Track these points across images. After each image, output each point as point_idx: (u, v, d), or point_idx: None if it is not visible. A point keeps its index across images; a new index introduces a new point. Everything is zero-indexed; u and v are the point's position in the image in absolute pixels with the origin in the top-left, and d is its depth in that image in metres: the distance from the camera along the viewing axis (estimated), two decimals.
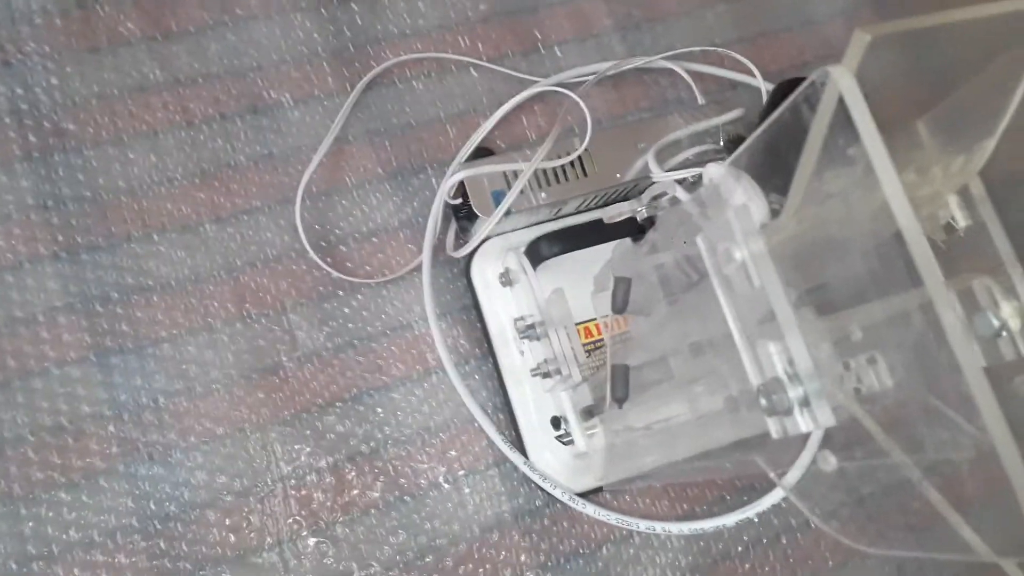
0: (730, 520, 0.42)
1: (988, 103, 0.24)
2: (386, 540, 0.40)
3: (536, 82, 0.46)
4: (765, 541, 0.43)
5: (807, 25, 0.51)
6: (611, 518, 0.40)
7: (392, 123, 0.46)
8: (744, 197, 0.25)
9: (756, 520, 0.43)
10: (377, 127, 0.46)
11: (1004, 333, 0.23)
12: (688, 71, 0.48)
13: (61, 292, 0.41)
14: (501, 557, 0.40)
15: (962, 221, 0.27)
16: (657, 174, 0.35)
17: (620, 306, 0.31)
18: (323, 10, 0.46)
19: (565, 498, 0.40)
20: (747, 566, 0.42)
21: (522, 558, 0.40)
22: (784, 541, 0.43)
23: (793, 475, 0.36)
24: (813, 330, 0.24)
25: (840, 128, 0.21)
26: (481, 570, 0.40)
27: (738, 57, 0.48)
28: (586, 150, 0.40)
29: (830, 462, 0.25)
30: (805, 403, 0.23)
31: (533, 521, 0.41)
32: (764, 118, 0.25)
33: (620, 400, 0.31)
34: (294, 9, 0.46)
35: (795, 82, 0.34)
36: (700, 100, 0.47)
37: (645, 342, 0.33)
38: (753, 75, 0.46)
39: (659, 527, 0.41)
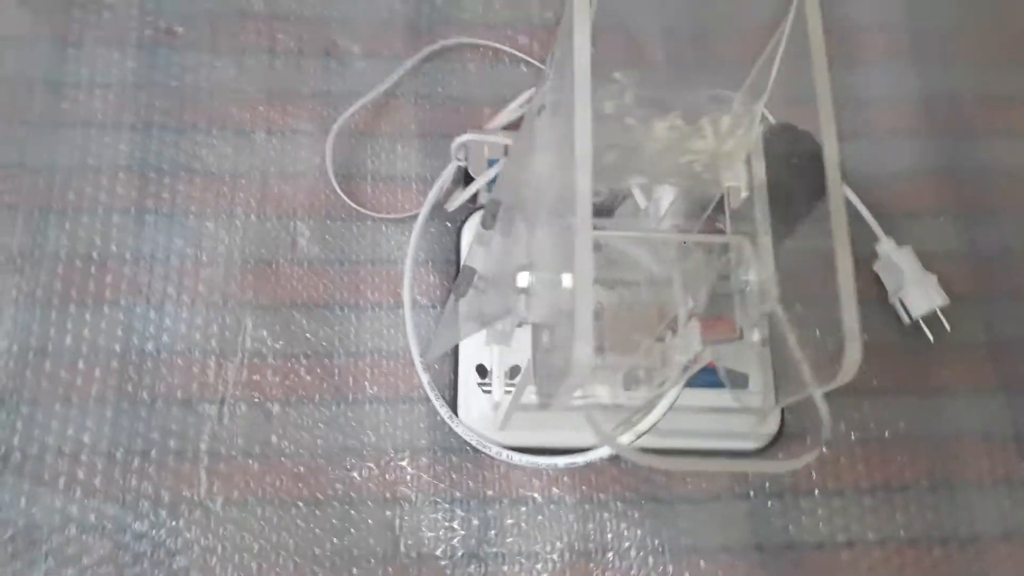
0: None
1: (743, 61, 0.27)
2: (309, 429, 0.44)
3: None
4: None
5: None
6: (503, 455, 0.42)
7: (439, 91, 0.52)
8: None
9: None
10: (425, 92, 0.52)
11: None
12: None
13: (127, 154, 0.49)
14: (406, 478, 0.44)
15: (744, 191, 0.29)
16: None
17: (462, 293, 0.35)
18: None
19: (472, 440, 0.43)
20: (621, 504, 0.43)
21: (423, 480, 0.44)
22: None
23: None
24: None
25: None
26: (383, 480, 0.44)
27: None
28: None
29: None
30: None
31: (445, 455, 0.44)
32: None
33: (459, 296, 0.34)
34: None
35: None
36: None
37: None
38: None
39: (542, 461, 0.42)
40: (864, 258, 0.49)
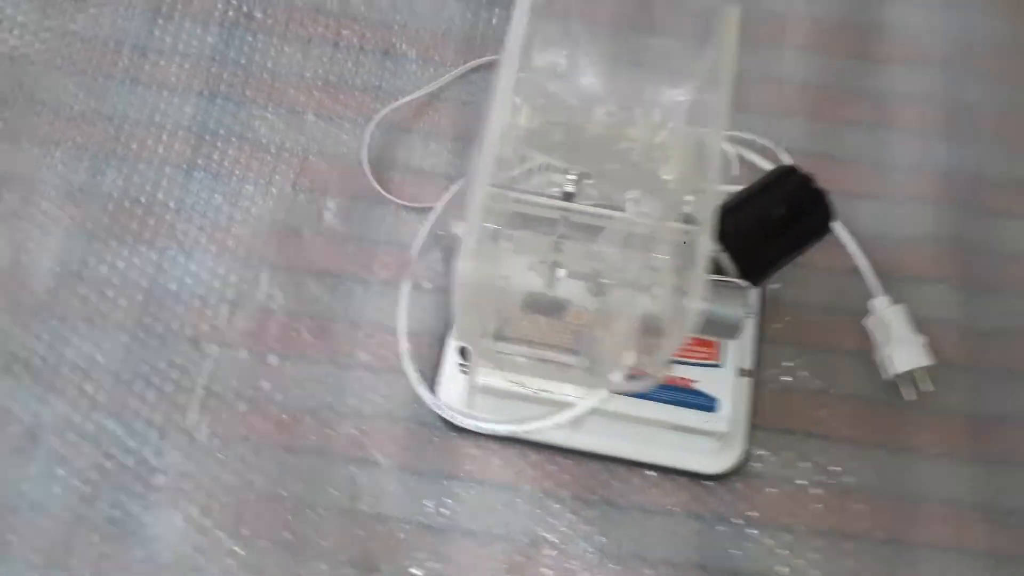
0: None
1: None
2: (300, 383, 0.48)
3: None
4: None
5: None
6: (466, 422, 0.44)
7: (479, 100, 0.55)
8: None
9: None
10: (467, 99, 0.56)
11: None
12: None
13: (191, 116, 0.54)
14: (378, 442, 0.46)
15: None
16: None
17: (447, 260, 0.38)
18: (473, 3, 0.58)
19: (442, 412, 0.45)
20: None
21: (393, 447, 0.46)
22: None
23: None
24: None
25: None
26: (357, 441, 0.46)
27: None
28: None
29: None
30: None
31: (418, 428, 0.47)
32: None
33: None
34: None
35: None
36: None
37: None
38: None
39: (500, 427, 0.43)
40: (858, 313, 0.49)
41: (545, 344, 0.35)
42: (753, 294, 0.48)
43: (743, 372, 0.46)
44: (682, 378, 0.44)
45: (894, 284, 0.51)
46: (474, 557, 0.44)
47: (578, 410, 0.37)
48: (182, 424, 0.46)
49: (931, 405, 0.48)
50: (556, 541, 0.45)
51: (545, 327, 0.34)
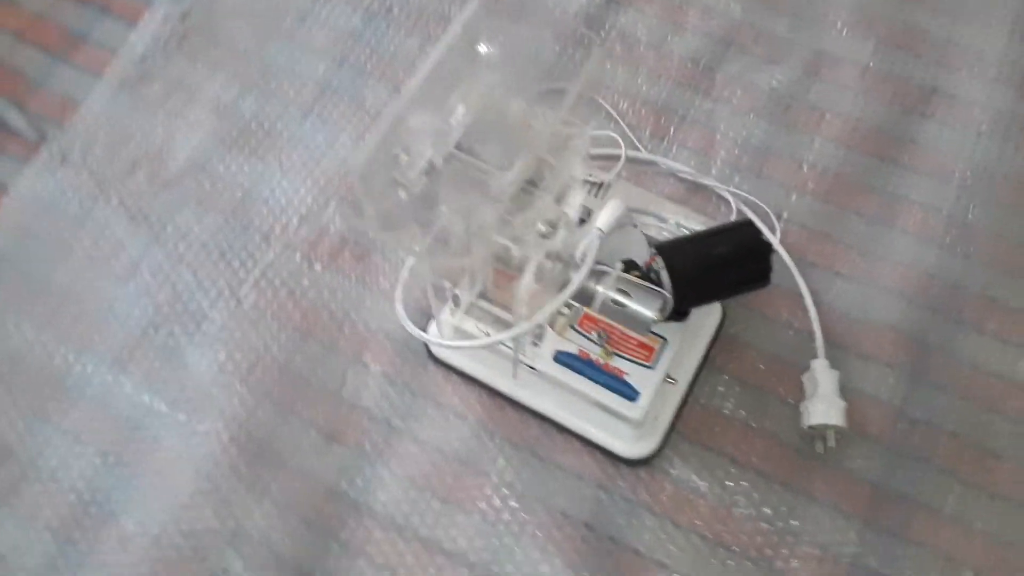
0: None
1: None
2: (331, 291, 0.60)
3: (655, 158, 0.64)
4: None
5: None
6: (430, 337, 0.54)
7: None
8: None
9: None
10: None
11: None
12: None
13: (320, 74, 0.68)
14: (374, 351, 0.58)
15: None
16: None
17: None
18: None
19: (410, 331, 0.55)
20: None
21: (383, 358, 0.58)
22: None
23: None
24: None
25: None
26: (358, 345, 0.58)
27: None
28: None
29: None
30: None
31: (407, 351, 0.58)
32: None
33: None
34: None
35: None
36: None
37: None
38: None
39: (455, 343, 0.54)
40: (801, 368, 0.56)
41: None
42: (713, 319, 0.56)
43: (669, 379, 0.54)
44: (617, 368, 0.53)
45: (844, 355, 0.57)
46: (413, 457, 0.55)
47: (487, 341, 0.47)
48: (237, 292, 0.60)
49: (838, 463, 0.54)
50: (480, 468, 0.54)
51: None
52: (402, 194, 0.38)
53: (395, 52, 0.69)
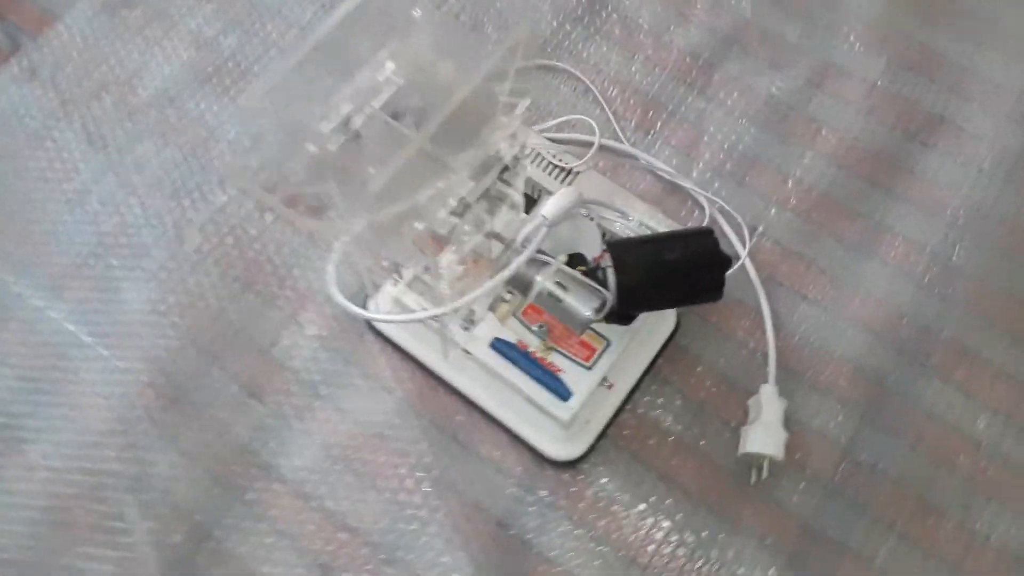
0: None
1: None
2: (278, 245, 0.58)
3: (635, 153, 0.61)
4: None
5: None
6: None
7: None
8: None
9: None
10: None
11: None
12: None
13: (308, 19, 0.66)
14: (311, 314, 0.56)
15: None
16: None
17: None
18: (561, 15, 0.66)
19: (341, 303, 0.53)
20: None
21: (319, 322, 0.56)
22: None
23: None
24: None
25: None
26: (297, 306, 0.56)
27: None
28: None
29: None
30: None
31: (346, 319, 0.56)
32: None
33: None
34: None
35: None
36: None
37: None
38: None
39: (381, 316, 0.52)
40: (750, 392, 0.53)
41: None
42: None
43: (605, 383, 0.51)
44: (553, 364, 0.50)
45: (797, 384, 0.54)
46: (332, 426, 0.53)
47: (403, 318, 0.45)
48: (182, 232, 0.58)
49: (771, 495, 0.52)
50: (398, 447, 0.52)
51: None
52: (311, 148, 0.36)
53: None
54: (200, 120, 0.62)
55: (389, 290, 0.54)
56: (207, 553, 0.49)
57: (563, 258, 0.47)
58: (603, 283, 0.47)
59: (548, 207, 0.45)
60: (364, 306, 0.53)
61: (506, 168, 0.43)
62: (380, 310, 0.54)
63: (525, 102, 0.39)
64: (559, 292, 0.45)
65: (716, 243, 0.48)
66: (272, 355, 0.55)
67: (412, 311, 0.49)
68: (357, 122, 0.37)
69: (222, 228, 0.58)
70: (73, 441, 0.52)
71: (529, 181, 0.55)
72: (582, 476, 0.52)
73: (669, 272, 0.47)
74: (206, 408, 0.53)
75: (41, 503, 0.50)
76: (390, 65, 0.38)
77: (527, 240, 0.45)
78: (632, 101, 0.63)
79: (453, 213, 0.37)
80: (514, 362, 0.50)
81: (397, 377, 0.54)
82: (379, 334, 0.55)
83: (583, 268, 0.47)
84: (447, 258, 0.41)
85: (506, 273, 0.43)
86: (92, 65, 0.63)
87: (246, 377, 0.54)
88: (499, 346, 0.50)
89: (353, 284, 0.53)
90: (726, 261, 0.48)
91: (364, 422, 0.53)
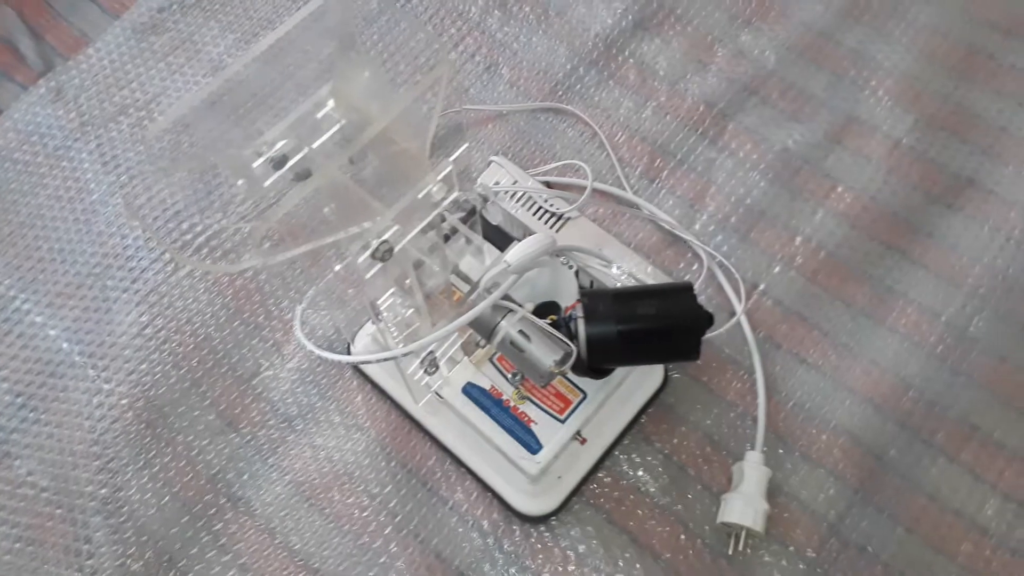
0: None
1: None
2: (269, 277, 0.58)
3: (636, 204, 0.59)
4: None
5: None
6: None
7: (533, 131, 0.63)
8: None
9: None
10: (524, 128, 0.63)
11: None
12: None
13: None
14: (294, 346, 0.56)
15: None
16: None
17: None
18: (575, 60, 0.65)
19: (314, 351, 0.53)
20: None
21: (300, 358, 0.55)
22: None
23: None
24: None
25: None
26: (280, 338, 0.56)
27: None
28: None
29: None
30: None
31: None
32: None
33: None
34: None
35: None
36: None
37: None
38: None
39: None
40: (735, 457, 0.51)
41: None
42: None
43: (578, 437, 0.50)
44: (526, 414, 0.49)
45: (787, 452, 0.52)
46: (304, 463, 0.52)
47: (358, 359, 0.44)
48: (176, 256, 0.59)
49: (748, 569, 0.49)
50: (364, 488, 0.52)
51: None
52: (240, 182, 0.36)
53: (403, 42, 0.67)
54: (211, 147, 0.63)
55: (368, 329, 0.54)
56: None
57: (530, 306, 0.45)
58: (572, 334, 0.45)
59: (513, 253, 0.43)
60: (354, 340, 0.53)
61: (472, 212, 0.42)
62: (361, 348, 0.53)
63: (461, 148, 0.38)
64: (521, 341, 0.44)
65: (694, 300, 0.46)
66: (252, 385, 0.55)
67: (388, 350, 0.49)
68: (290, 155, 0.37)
69: (216, 252, 0.59)
70: (55, 460, 0.53)
71: (520, 225, 0.54)
72: (550, 533, 0.50)
73: (642, 327, 0.45)
74: (182, 434, 0.53)
75: (20, 519, 0.51)
76: (331, 103, 0.38)
77: (494, 285, 0.43)
78: (639, 148, 0.61)
79: (374, 256, 0.36)
80: (485, 409, 0.49)
81: (372, 416, 0.54)
82: (358, 371, 0.55)
83: (554, 317, 0.46)
84: (387, 302, 0.41)
85: (467, 317, 0.42)
86: (115, 88, 0.65)
87: (224, 405, 0.54)
88: (471, 392, 0.49)
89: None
90: (705, 320, 0.45)
91: (336, 460, 0.52)
